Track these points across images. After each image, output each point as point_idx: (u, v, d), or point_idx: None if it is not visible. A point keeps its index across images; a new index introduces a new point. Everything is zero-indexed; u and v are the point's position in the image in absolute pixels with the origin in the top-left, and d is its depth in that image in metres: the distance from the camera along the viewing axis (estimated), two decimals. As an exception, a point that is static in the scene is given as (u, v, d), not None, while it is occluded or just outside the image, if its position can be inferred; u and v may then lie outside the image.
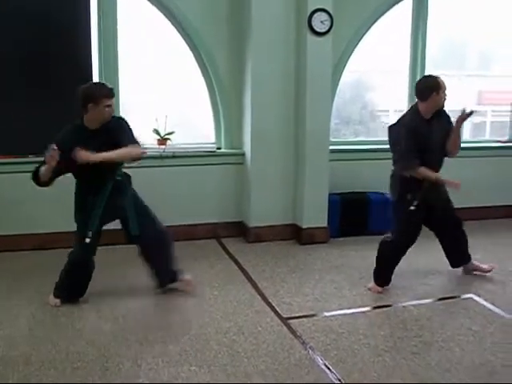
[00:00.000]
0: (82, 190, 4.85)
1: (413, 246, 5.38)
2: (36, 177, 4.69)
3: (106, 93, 4.62)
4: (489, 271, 5.75)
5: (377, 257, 5.46)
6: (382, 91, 8.12)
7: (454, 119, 5.22)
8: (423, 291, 5.43)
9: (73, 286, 5.00)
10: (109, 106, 4.62)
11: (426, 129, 5.16)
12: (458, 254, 5.74)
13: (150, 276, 5.20)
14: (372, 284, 5.43)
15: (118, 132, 4.69)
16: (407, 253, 5.77)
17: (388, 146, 7.46)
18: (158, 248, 5.09)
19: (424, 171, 5.10)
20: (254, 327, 4.58)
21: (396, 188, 5.33)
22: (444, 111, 5.31)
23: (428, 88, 5.12)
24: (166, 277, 5.18)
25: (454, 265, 5.79)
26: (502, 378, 3.92)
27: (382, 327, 4.64)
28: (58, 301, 4.97)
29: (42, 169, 4.57)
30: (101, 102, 4.57)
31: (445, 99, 5.18)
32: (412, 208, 5.16)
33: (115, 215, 4.94)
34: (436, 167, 5.27)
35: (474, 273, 5.79)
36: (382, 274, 5.42)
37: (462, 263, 5.79)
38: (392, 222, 5.42)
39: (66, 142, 4.53)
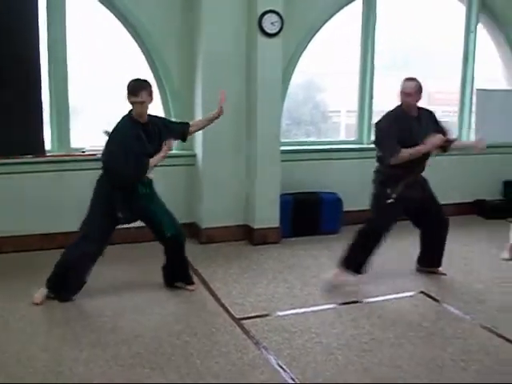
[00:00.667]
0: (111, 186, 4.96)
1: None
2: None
3: (128, 90, 4.80)
4: (444, 274, 5.85)
5: (351, 244, 5.50)
6: (333, 92, 8.18)
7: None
8: (374, 289, 5.49)
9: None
10: (132, 103, 4.80)
11: (410, 124, 5.34)
12: (433, 257, 5.85)
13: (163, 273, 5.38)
14: (337, 271, 5.49)
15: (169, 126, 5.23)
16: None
17: (337, 147, 7.58)
18: (181, 247, 5.28)
19: (407, 150, 5.21)
20: (207, 328, 4.58)
21: (377, 182, 5.50)
22: (431, 112, 5.61)
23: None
24: (181, 276, 5.41)
25: (423, 265, 5.88)
26: (451, 371, 4.00)
27: (334, 325, 4.68)
28: (41, 298, 4.96)
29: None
30: (128, 98, 4.78)
31: (404, 101, 5.37)
32: (389, 201, 5.31)
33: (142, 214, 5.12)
34: (418, 163, 5.45)
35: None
36: (354, 260, 5.47)
37: (433, 266, 5.88)
38: (371, 213, 5.57)
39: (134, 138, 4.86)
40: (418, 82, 5.39)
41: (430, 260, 5.86)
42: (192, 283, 5.39)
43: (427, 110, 5.60)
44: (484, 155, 8.04)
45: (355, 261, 5.47)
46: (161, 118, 5.32)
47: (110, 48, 6.58)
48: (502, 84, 8.80)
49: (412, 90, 5.31)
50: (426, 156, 5.43)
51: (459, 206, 8.13)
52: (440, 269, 5.86)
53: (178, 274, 5.37)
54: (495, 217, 7.77)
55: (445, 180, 8.04)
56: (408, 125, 5.33)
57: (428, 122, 5.47)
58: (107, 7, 6.43)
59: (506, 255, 6.44)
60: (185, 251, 5.30)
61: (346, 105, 8.20)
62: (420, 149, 5.26)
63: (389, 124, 5.36)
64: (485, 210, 8.21)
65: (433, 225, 5.69)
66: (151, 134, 4.93)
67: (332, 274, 5.48)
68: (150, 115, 4.99)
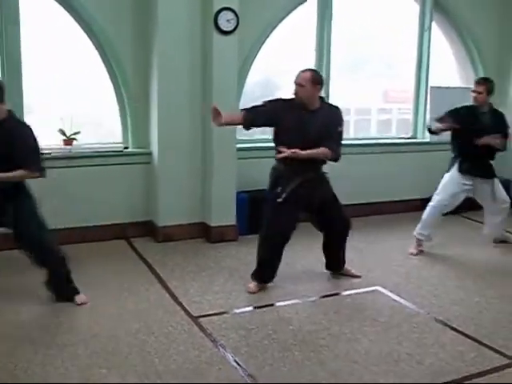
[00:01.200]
0: None
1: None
2: None
3: None
4: (358, 277, 5.76)
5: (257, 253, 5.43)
6: (291, 90, 8.18)
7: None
8: (331, 285, 5.55)
9: None
10: None
11: (300, 116, 5.10)
12: (334, 260, 5.72)
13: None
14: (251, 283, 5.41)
15: (20, 146, 4.56)
16: (315, 248, 5.85)
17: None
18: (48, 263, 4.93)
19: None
20: (165, 327, 4.56)
21: (269, 180, 5.37)
22: (337, 113, 5.31)
23: None
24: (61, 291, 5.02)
25: (327, 267, 5.77)
26: (406, 365, 4.06)
27: (291, 322, 4.70)
28: None
29: None
30: None
31: (296, 91, 5.13)
32: (279, 200, 5.14)
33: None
34: (301, 165, 5.15)
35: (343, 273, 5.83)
36: (259, 271, 5.40)
37: (335, 268, 5.77)
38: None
39: None
40: (314, 73, 5.17)
41: (333, 264, 5.74)
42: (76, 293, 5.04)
43: (334, 108, 5.34)
44: (434, 152, 8.16)
45: (261, 270, 5.38)
46: (25, 134, 4.64)
47: (64, 46, 6.49)
48: (456, 82, 8.93)
49: (303, 80, 5.07)
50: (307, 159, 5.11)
51: (409, 203, 8.24)
52: (354, 272, 5.81)
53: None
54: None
55: (395, 177, 8.16)
56: (299, 116, 5.11)
57: (327, 120, 5.17)
58: (60, 3, 6.33)
59: (413, 250, 6.55)
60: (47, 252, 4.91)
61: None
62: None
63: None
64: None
65: (335, 226, 5.49)
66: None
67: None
68: (18, 121, 4.74)
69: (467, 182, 6.40)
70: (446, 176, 6.49)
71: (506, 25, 8.68)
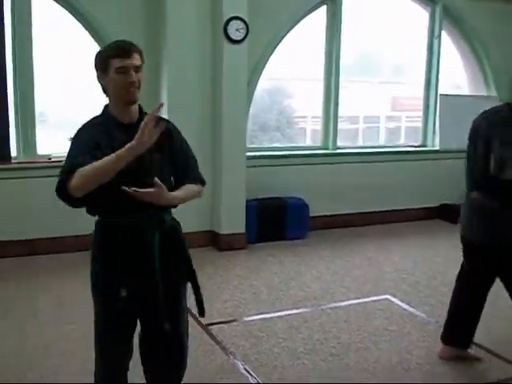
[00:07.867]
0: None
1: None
2: None
3: None
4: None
5: (451, 312, 4.33)
6: (300, 98, 8.21)
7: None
8: (340, 294, 5.52)
9: None
10: None
11: None
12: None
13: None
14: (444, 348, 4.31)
15: None
16: (325, 259, 5.83)
17: (302, 152, 7.55)
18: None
19: None
20: (175, 335, 4.56)
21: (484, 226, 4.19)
22: None
23: None
24: None
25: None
26: (417, 374, 4.05)
27: (301, 330, 4.70)
28: None
29: None
30: None
31: None
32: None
33: None
34: None
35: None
36: (460, 333, 4.24)
37: None
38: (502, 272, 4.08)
39: None
40: None
41: None
42: None
43: None
44: (444, 160, 8.16)
45: (462, 333, 4.24)
46: None
47: (76, 55, 6.50)
48: (465, 90, 8.93)
49: None
50: None
51: (424, 211, 8.23)
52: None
53: None
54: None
55: (410, 184, 8.15)
56: None
57: None
58: (72, 14, 6.34)
59: None
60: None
61: (312, 110, 8.22)
62: None
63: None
64: (450, 215, 8.27)
65: None
66: None
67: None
68: None
69: None
70: None
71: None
